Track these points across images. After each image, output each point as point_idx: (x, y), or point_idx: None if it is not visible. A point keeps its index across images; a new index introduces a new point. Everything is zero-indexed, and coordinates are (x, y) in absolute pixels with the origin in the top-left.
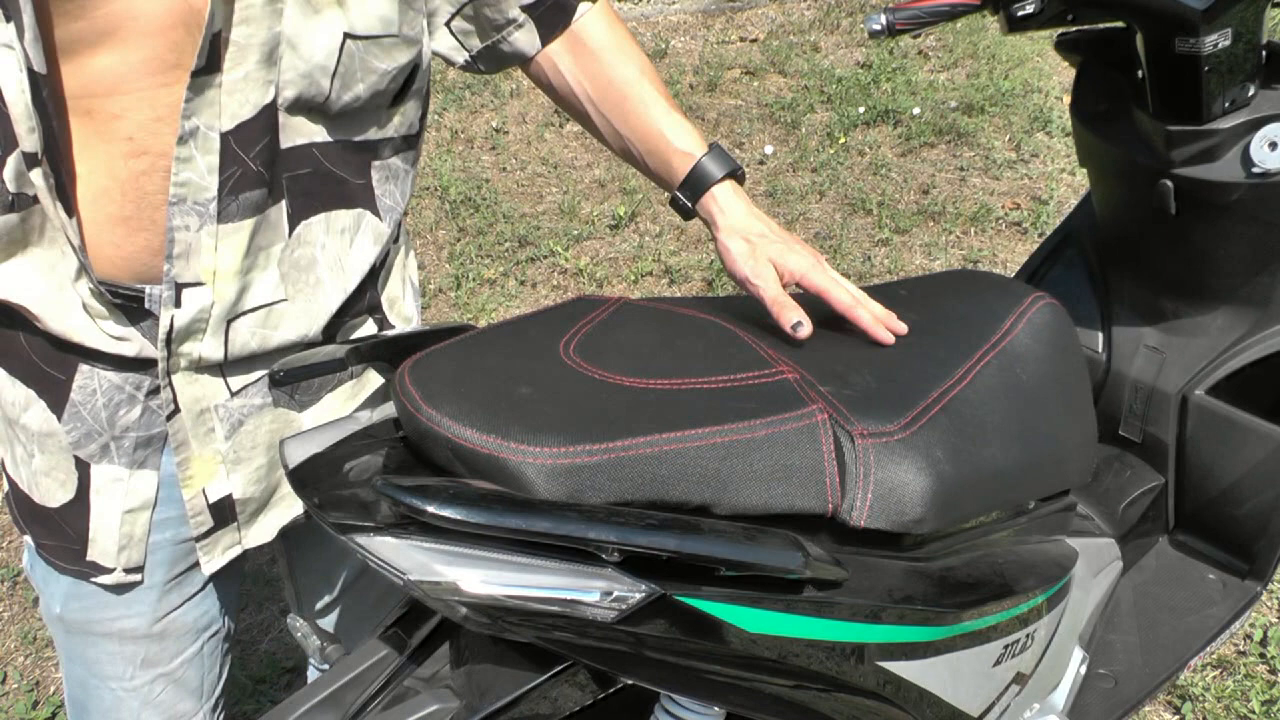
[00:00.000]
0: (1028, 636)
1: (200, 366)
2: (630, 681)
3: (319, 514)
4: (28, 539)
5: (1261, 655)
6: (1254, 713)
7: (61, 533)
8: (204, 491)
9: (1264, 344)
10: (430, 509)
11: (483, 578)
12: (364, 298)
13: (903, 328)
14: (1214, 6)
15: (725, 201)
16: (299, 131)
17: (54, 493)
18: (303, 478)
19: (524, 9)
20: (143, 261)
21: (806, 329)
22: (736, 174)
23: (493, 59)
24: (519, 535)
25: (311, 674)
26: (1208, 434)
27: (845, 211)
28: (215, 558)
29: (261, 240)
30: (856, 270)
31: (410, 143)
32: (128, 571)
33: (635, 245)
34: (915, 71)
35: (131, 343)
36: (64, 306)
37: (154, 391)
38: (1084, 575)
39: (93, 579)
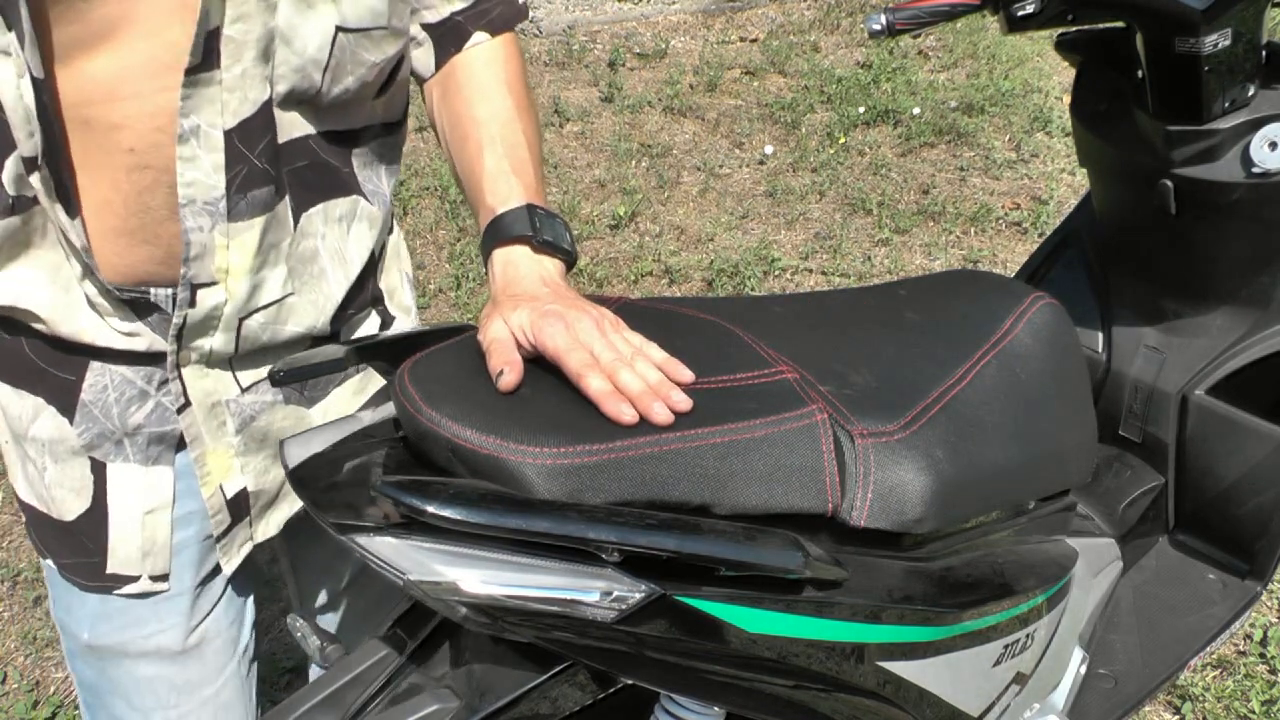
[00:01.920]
0: (1028, 636)
1: (211, 361)
2: (630, 681)
3: (319, 514)
4: (49, 563)
5: (1261, 655)
6: (1254, 713)
7: (81, 547)
8: (221, 488)
9: (1264, 344)
10: (430, 509)
11: (483, 578)
12: (366, 289)
13: (681, 400)
14: (1214, 6)
15: (505, 265)
16: (294, 125)
17: (69, 504)
18: (303, 478)
19: (425, 27)
20: (145, 270)
21: (505, 380)
22: (533, 240)
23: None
24: (519, 535)
25: (314, 673)
26: (1208, 434)
27: (845, 211)
28: (233, 556)
29: (273, 237)
30: (857, 270)
31: (390, 129)
32: (154, 579)
33: (635, 245)
34: (915, 71)
35: (141, 337)
36: (71, 308)
37: (164, 383)
38: (1084, 575)
39: (117, 591)
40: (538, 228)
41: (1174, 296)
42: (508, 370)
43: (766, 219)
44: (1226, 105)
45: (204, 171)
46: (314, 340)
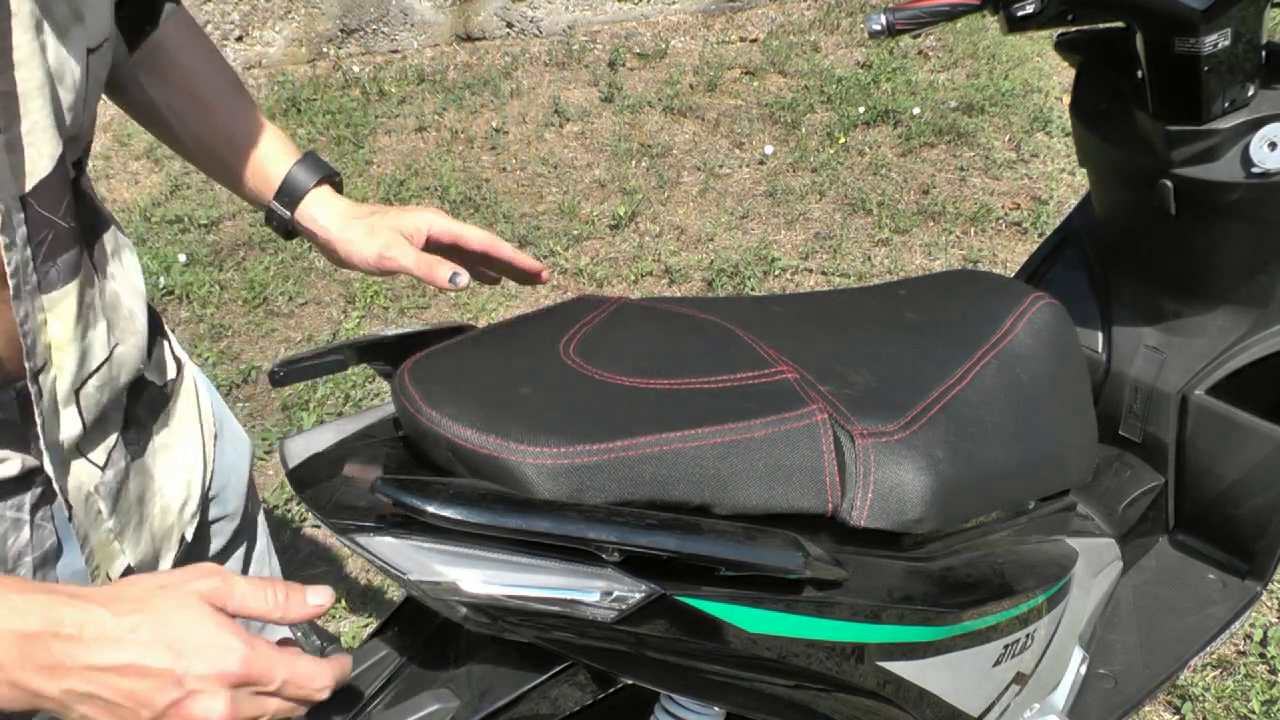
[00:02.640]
0: (1028, 636)
1: (65, 456)
2: (630, 681)
3: (319, 514)
4: None
5: (1261, 655)
6: (1254, 713)
7: None
8: (108, 576)
9: (1264, 344)
10: (430, 509)
11: (483, 578)
12: (152, 320)
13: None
14: (1214, 6)
15: (326, 202)
16: (69, 171)
17: None
18: (303, 478)
19: None
20: None
21: (463, 278)
22: (334, 179)
23: None
24: (519, 535)
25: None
26: (1208, 434)
27: (845, 211)
28: None
29: (88, 297)
30: (857, 270)
31: None
32: None
33: (635, 245)
34: (915, 71)
35: (10, 461)
36: None
37: (36, 506)
38: (1084, 575)
39: None
40: (329, 168)
41: (1174, 296)
42: (461, 273)
43: (766, 219)
44: (1226, 105)
45: (18, 250)
46: (133, 383)
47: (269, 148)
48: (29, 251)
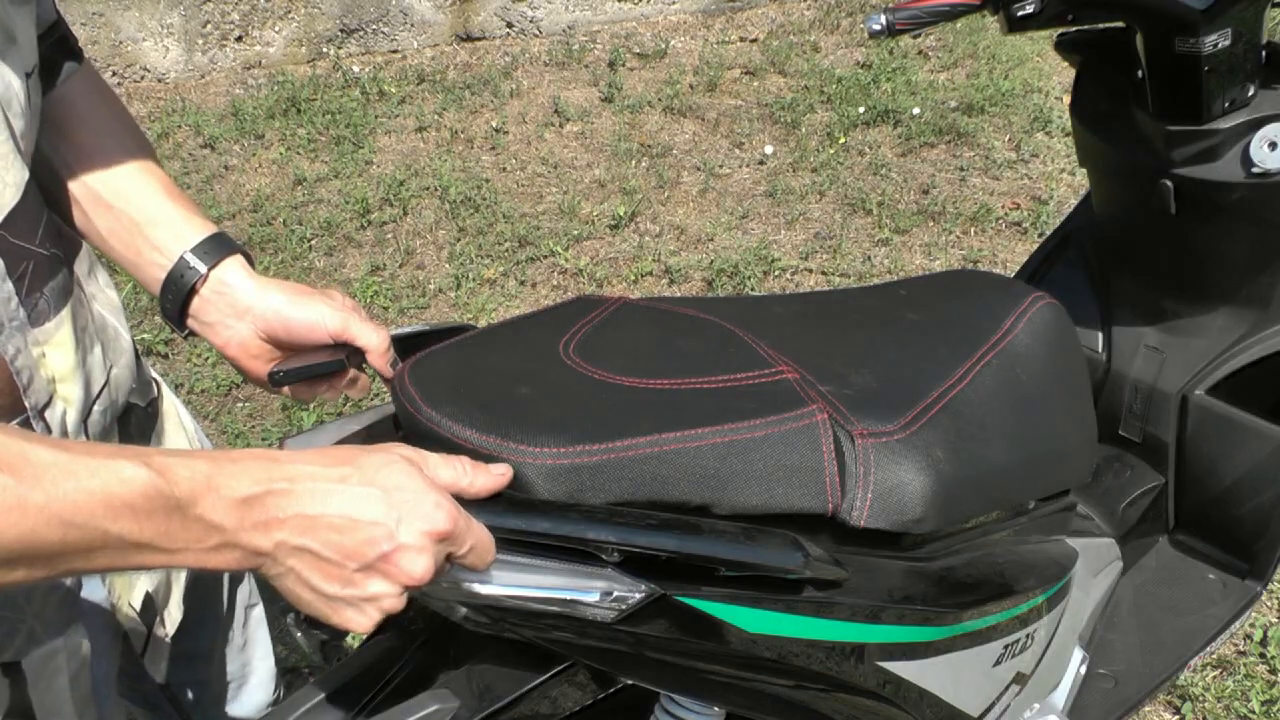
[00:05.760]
0: (1028, 636)
1: None
2: (630, 681)
3: None
4: None
5: (1261, 655)
6: (1254, 713)
7: None
8: (130, 604)
9: (1264, 344)
10: None
11: (483, 578)
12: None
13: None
14: (1214, 6)
15: (243, 272)
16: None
17: None
18: None
19: None
20: None
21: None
22: (244, 251)
23: None
24: (519, 535)
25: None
26: (1208, 434)
27: (845, 211)
28: (161, 661)
29: (81, 321)
30: (856, 270)
31: None
32: None
33: (635, 245)
34: (915, 71)
35: None
36: None
37: None
38: (1084, 575)
39: None
40: (241, 243)
41: (1174, 296)
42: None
43: (766, 219)
44: (1226, 105)
45: None
46: (129, 404)
47: (192, 223)
48: (10, 286)
